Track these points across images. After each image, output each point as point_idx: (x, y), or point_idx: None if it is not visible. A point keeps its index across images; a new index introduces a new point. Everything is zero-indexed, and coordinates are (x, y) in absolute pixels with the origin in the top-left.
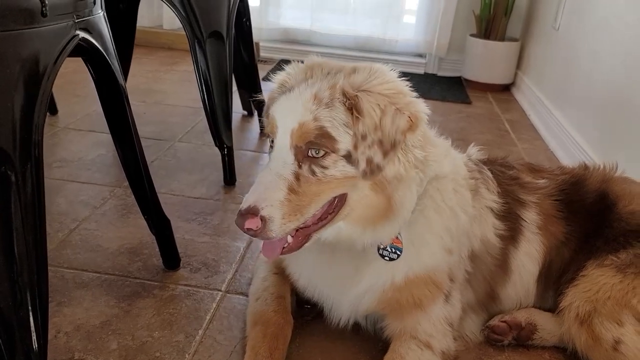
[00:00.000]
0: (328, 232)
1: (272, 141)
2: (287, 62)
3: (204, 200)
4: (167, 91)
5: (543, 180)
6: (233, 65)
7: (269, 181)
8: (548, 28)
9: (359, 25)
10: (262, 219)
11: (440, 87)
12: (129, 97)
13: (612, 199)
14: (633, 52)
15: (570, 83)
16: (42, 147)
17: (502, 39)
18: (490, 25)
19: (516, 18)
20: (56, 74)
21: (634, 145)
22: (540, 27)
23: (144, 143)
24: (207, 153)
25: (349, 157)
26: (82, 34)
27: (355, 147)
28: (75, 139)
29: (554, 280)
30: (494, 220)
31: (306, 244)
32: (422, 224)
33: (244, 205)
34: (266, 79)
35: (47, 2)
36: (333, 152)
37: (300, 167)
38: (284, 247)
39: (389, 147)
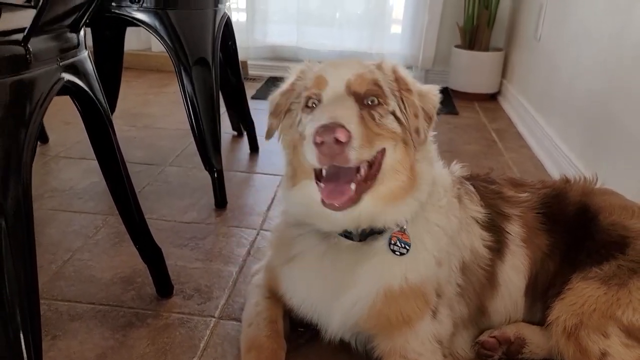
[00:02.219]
0: (354, 212)
1: (311, 103)
2: (275, 79)
3: (195, 224)
4: (157, 114)
5: (525, 194)
6: (221, 86)
7: (340, 106)
8: (530, 38)
9: (345, 39)
10: (349, 133)
11: None
12: (120, 122)
13: (594, 211)
14: (611, 61)
15: (552, 92)
16: (30, 187)
17: (486, 49)
18: (474, 36)
19: (499, 28)
20: (43, 116)
21: (615, 153)
22: (522, 37)
23: (135, 169)
24: (197, 176)
25: (394, 115)
26: (67, 77)
27: (416, 115)
28: (67, 167)
29: (541, 293)
30: (480, 231)
31: (358, 203)
32: (421, 223)
33: (325, 120)
34: (256, 97)
35: (31, 49)
36: (385, 104)
37: (361, 109)
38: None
39: (428, 119)
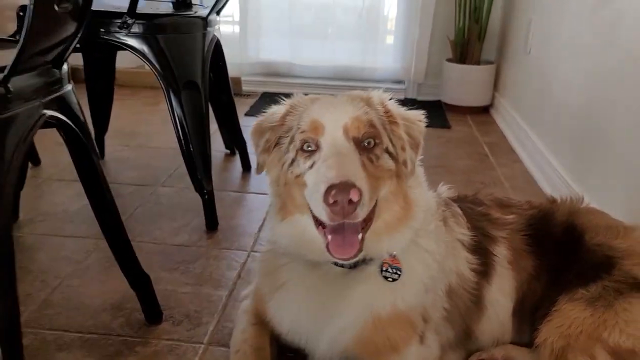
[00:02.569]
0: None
1: (309, 147)
2: (269, 94)
3: (186, 247)
4: (150, 133)
5: (512, 216)
6: (212, 105)
7: (346, 159)
8: (520, 51)
9: (338, 54)
10: (360, 191)
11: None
12: (113, 141)
13: (580, 231)
14: (597, 76)
15: (543, 105)
16: (10, 227)
17: (477, 62)
18: (465, 49)
19: (490, 41)
20: (25, 151)
21: (603, 167)
22: (513, 50)
23: (127, 190)
24: (189, 197)
25: (388, 152)
26: (49, 112)
27: (403, 148)
28: (59, 189)
29: (529, 315)
30: (466, 254)
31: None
32: (412, 250)
33: (335, 179)
34: (249, 113)
35: (11, 88)
36: (381, 143)
37: (360, 154)
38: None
39: (415, 147)
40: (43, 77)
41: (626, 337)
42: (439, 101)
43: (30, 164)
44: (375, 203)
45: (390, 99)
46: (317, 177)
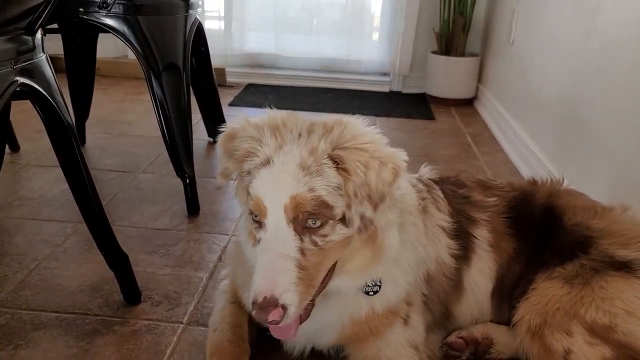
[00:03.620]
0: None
1: (256, 218)
2: (254, 85)
3: (167, 231)
4: (132, 121)
5: (493, 198)
6: (195, 93)
7: (277, 264)
8: (504, 43)
9: (323, 47)
10: (283, 307)
11: (406, 104)
12: (94, 129)
13: (558, 212)
14: (578, 66)
15: (525, 96)
16: None
17: (462, 54)
18: (449, 42)
19: (475, 34)
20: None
21: (583, 155)
22: (497, 42)
23: (107, 176)
24: (170, 183)
25: (343, 219)
26: (21, 80)
27: (349, 206)
28: (38, 175)
29: (507, 295)
30: (447, 240)
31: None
32: (390, 261)
33: (259, 297)
34: (233, 103)
35: None
36: (331, 219)
37: (302, 240)
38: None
39: (377, 201)
40: (15, 43)
41: (602, 313)
42: (424, 94)
43: (9, 150)
44: (332, 273)
45: (357, 135)
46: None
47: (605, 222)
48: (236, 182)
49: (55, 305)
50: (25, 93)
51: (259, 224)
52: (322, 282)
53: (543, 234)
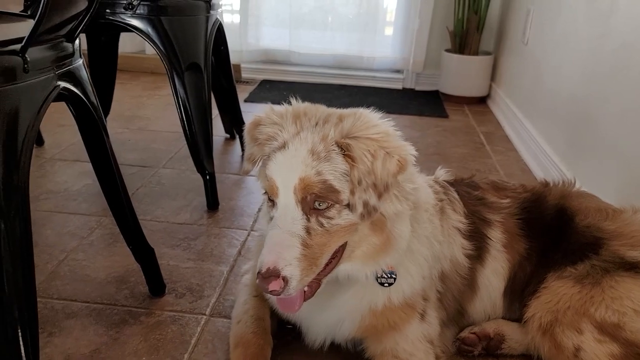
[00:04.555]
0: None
1: (271, 199)
2: (269, 81)
3: (188, 225)
4: (150, 117)
5: (507, 200)
6: (213, 90)
7: (283, 239)
8: (518, 42)
9: (337, 43)
10: (284, 279)
11: (418, 101)
12: (114, 124)
13: (570, 214)
14: (590, 67)
15: (538, 95)
16: (28, 192)
17: (475, 53)
18: (463, 40)
19: (489, 32)
20: (40, 123)
21: (594, 155)
22: (511, 41)
23: (128, 170)
24: (190, 178)
25: (349, 205)
26: (62, 84)
27: (352, 192)
28: (62, 169)
29: (519, 293)
30: (462, 240)
31: (318, 290)
32: (405, 254)
33: (263, 267)
34: (249, 100)
35: (28, 59)
36: (337, 202)
37: (309, 220)
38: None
39: (382, 190)
40: (57, 50)
41: (612, 312)
42: (437, 91)
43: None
44: (341, 256)
45: (369, 126)
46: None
47: (616, 224)
48: (259, 166)
49: (85, 296)
50: (64, 96)
51: (273, 204)
52: (329, 265)
53: (554, 234)
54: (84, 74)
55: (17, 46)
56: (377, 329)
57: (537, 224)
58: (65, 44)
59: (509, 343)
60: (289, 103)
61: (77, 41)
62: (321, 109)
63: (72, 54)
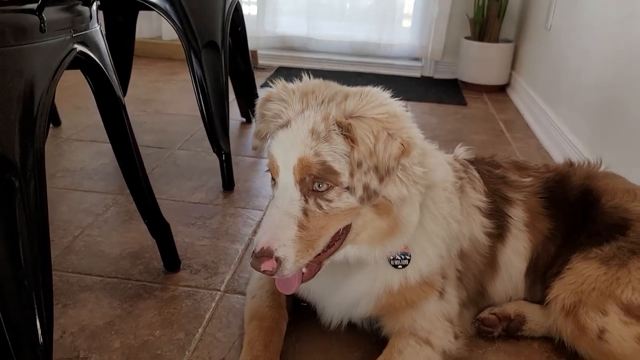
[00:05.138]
0: (337, 255)
1: (273, 178)
2: (285, 68)
3: (203, 205)
4: (166, 101)
5: (529, 179)
6: (230, 73)
7: (279, 220)
8: (540, 28)
9: (355, 30)
10: (277, 259)
11: (437, 89)
12: (130, 107)
13: (596, 194)
14: (618, 51)
15: (561, 82)
16: (44, 156)
17: (496, 40)
18: (484, 27)
19: (509, 20)
20: (55, 86)
21: (622, 141)
22: (532, 27)
23: (144, 151)
24: (206, 160)
25: (350, 188)
26: (79, 48)
27: (352, 174)
28: (78, 149)
29: (541, 274)
30: (481, 219)
31: (319, 272)
32: (420, 234)
33: (257, 247)
34: (265, 85)
35: (45, 18)
36: (336, 185)
37: (307, 201)
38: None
39: (384, 173)
40: (73, 13)
41: (639, 294)
42: (456, 80)
43: (51, 124)
44: (344, 238)
45: (375, 105)
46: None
47: None
48: (262, 143)
49: (99, 270)
50: (81, 62)
51: (274, 182)
52: (331, 247)
53: (579, 215)
54: (101, 40)
55: (34, 5)
56: (394, 306)
57: (561, 204)
58: (82, 7)
59: (530, 325)
60: (302, 78)
61: (94, 6)
62: (331, 87)
63: (89, 18)
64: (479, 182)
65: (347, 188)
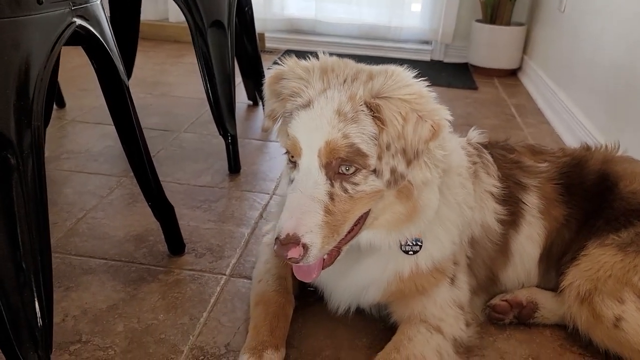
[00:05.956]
0: (354, 240)
1: (292, 159)
2: (293, 51)
3: (208, 188)
4: (173, 83)
5: (545, 164)
6: (237, 55)
7: (304, 204)
8: (554, 11)
9: (364, 13)
10: (304, 246)
11: (447, 73)
12: (136, 90)
13: (613, 179)
14: (633, 34)
15: (575, 65)
16: (42, 133)
17: (507, 23)
18: (495, 10)
19: (522, 2)
20: (54, 62)
21: (638, 126)
22: (546, 10)
23: (150, 134)
24: (212, 143)
25: (376, 171)
26: (79, 21)
27: (380, 157)
28: (83, 131)
29: (556, 261)
30: (494, 205)
31: (338, 258)
32: (433, 220)
33: (282, 233)
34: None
35: None
36: (364, 168)
37: (332, 185)
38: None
39: (412, 156)
40: None
41: None
42: (466, 64)
43: (55, 106)
44: (363, 223)
45: (402, 86)
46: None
47: None
48: (280, 123)
49: (103, 253)
50: (81, 37)
51: (294, 165)
52: (350, 232)
53: (596, 200)
54: (102, 15)
55: None
56: (404, 293)
57: (578, 189)
58: None
59: (542, 312)
60: (316, 57)
61: None
62: (350, 65)
63: None
64: (493, 167)
65: (374, 171)
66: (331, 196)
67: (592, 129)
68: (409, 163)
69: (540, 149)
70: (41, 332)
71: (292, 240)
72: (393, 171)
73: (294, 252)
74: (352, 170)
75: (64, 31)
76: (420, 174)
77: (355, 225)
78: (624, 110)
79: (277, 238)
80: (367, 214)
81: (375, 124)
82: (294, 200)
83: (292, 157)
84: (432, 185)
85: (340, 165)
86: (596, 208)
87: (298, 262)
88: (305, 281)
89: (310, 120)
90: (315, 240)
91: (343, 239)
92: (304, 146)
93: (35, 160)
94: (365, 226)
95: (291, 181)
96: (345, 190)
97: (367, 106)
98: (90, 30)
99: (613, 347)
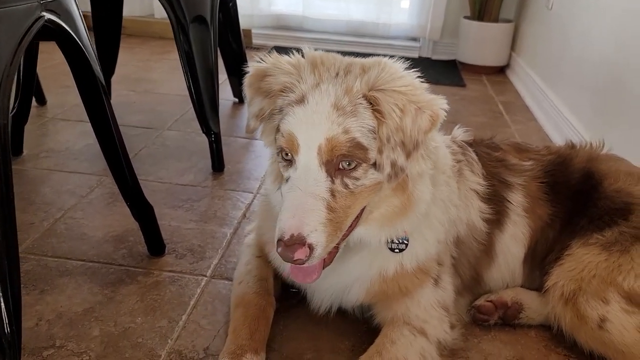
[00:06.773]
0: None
1: (286, 157)
2: (280, 48)
3: (191, 187)
4: (157, 80)
5: (529, 162)
6: (222, 52)
7: (306, 203)
8: (541, 8)
9: (352, 10)
10: (310, 246)
11: (435, 70)
12: (120, 87)
13: (598, 177)
14: (622, 31)
15: (563, 63)
16: (8, 132)
17: (496, 20)
18: (483, 7)
19: None
20: (21, 57)
21: (625, 122)
22: (534, 7)
23: (133, 132)
24: (196, 141)
25: (376, 164)
26: (48, 16)
27: (380, 151)
28: (64, 129)
29: (540, 261)
30: (479, 204)
31: (336, 255)
32: (422, 219)
33: (286, 234)
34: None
35: None
36: (364, 162)
37: (333, 181)
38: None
39: (411, 148)
40: None
41: None
42: (454, 61)
43: (35, 103)
44: (360, 218)
45: (396, 77)
46: (283, 201)
47: None
48: (262, 125)
49: (81, 254)
50: (52, 31)
51: (289, 162)
52: (349, 228)
53: (581, 199)
54: (75, 10)
55: None
56: (387, 294)
57: (562, 188)
58: None
59: (527, 313)
60: (299, 52)
61: None
62: (339, 58)
63: None
64: (477, 165)
65: (373, 164)
66: (332, 193)
67: (578, 126)
68: (408, 155)
69: (525, 147)
70: (8, 339)
71: (297, 241)
72: (393, 164)
73: (300, 253)
74: (352, 165)
75: (32, 25)
76: (416, 166)
77: (353, 221)
78: (610, 107)
79: (279, 240)
80: (363, 208)
81: (375, 117)
82: (294, 200)
83: (287, 154)
84: (425, 177)
85: (341, 161)
86: (580, 207)
87: (304, 263)
88: (306, 283)
89: (307, 115)
90: (321, 239)
91: (343, 235)
92: (302, 142)
93: (1, 160)
94: (361, 221)
95: (286, 180)
96: (346, 186)
97: (365, 99)
98: (61, 25)
99: (597, 349)
